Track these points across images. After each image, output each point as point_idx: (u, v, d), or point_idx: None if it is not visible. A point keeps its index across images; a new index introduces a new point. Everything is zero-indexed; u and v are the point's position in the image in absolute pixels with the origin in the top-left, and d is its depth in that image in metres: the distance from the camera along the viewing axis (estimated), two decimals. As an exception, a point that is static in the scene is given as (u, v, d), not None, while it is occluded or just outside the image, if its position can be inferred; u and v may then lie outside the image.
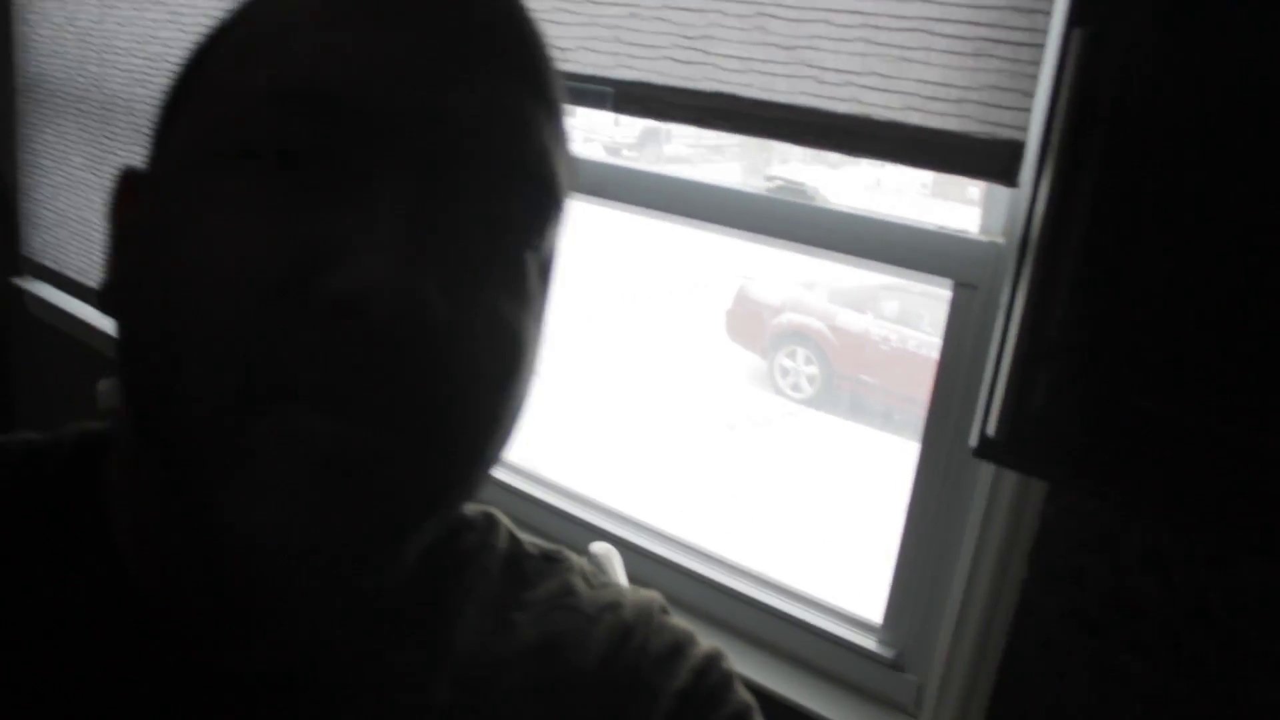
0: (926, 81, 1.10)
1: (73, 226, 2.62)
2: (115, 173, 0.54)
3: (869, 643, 1.37)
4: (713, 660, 0.61)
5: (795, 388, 5.94)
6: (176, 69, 0.51)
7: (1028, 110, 1.03)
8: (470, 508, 0.63)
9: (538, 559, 0.64)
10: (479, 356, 0.43)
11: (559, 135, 0.49)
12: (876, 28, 1.13)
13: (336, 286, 0.39)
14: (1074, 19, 0.67)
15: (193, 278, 0.41)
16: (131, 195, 0.52)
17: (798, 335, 6.00)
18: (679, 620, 0.64)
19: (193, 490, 0.42)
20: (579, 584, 0.63)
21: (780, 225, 1.34)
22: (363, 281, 0.39)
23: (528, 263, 0.47)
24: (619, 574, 1.20)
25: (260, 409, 0.40)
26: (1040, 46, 1.01)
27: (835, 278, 5.95)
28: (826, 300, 5.98)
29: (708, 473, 4.81)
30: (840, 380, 5.81)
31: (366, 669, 0.53)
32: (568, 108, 0.51)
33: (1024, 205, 0.75)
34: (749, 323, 6.25)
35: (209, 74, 0.48)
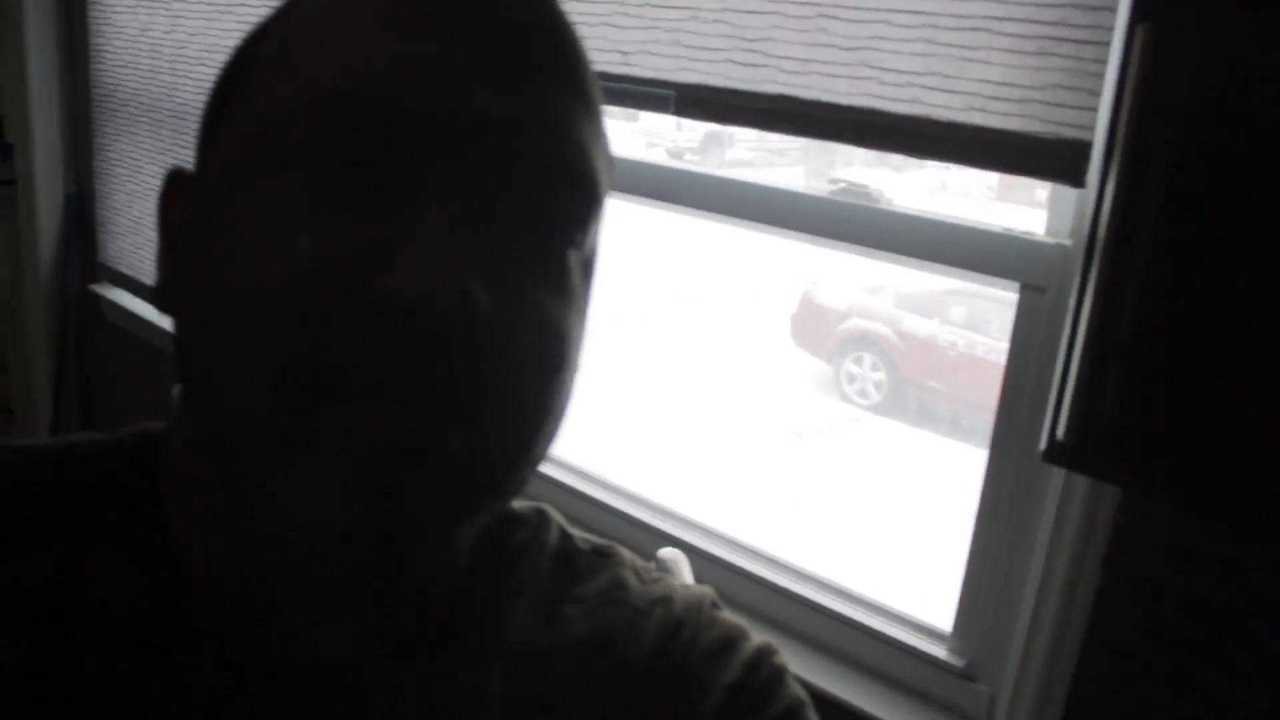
0: (989, 81, 1.08)
1: (146, 234, 2.68)
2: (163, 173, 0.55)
3: (939, 651, 1.35)
4: (764, 654, 0.61)
5: (862, 394, 5.90)
6: (220, 70, 0.53)
7: (1093, 109, 1.01)
8: (522, 504, 0.64)
9: (589, 554, 0.64)
10: (525, 352, 0.44)
11: (598, 135, 0.50)
12: (937, 28, 1.11)
13: (388, 287, 0.40)
14: (1137, 14, 0.66)
15: (247, 279, 0.42)
16: (178, 195, 0.54)
17: (864, 341, 5.96)
18: (731, 615, 0.64)
19: (250, 484, 0.44)
20: (630, 578, 0.63)
21: (844, 228, 1.33)
22: (413, 282, 0.40)
23: (570, 261, 0.48)
24: (686, 578, 1.20)
25: (315, 405, 0.41)
26: (1105, 44, 0.99)
27: (901, 283, 5.91)
28: (893, 305, 5.93)
29: (774, 480, 4.78)
30: (907, 386, 5.75)
31: (419, 660, 0.54)
32: (605, 107, 0.52)
33: (1090, 206, 0.73)
34: (814, 328, 6.21)
35: (253, 77, 0.49)
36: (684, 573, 1.22)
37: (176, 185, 0.54)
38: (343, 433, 0.41)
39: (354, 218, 0.42)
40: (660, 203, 1.51)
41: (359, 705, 0.52)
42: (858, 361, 5.95)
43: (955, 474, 4.48)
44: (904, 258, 1.28)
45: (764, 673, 0.60)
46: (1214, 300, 0.68)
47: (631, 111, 1.45)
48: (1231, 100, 0.65)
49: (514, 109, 0.44)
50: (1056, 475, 1.15)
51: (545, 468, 1.65)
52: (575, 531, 0.66)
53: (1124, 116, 0.67)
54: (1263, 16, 0.64)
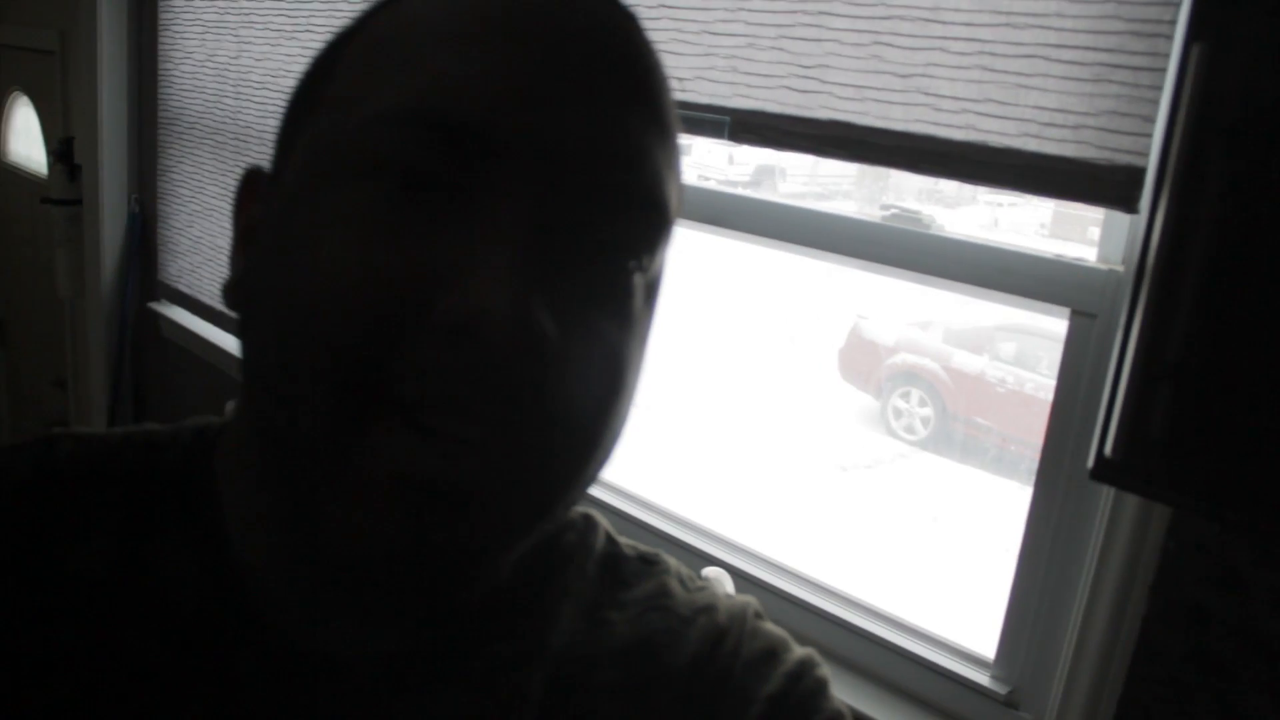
0: (1044, 108, 1.09)
1: (206, 253, 2.73)
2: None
3: (982, 678, 1.34)
4: (806, 666, 0.61)
5: (909, 429, 5.85)
6: (303, 72, 0.54)
7: (1148, 136, 1.01)
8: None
9: (635, 560, 0.65)
10: (584, 379, 0.45)
11: (673, 163, 0.50)
12: (993, 55, 1.12)
13: (454, 309, 0.41)
14: (1193, 34, 0.67)
15: (318, 286, 0.43)
16: (255, 193, 0.55)
17: (912, 376, 5.91)
18: (774, 625, 0.64)
19: (301, 487, 0.45)
20: (675, 586, 0.64)
21: (895, 253, 1.34)
22: (479, 305, 0.41)
23: (635, 285, 0.48)
24: (728, 599, 1.21)
25: (371, 421, 0.42)
26: (1161, 71, 1.00)
27: (950, 318, 5.87)
28: (941, 341, 5.89)
29: (820, 512, 4.76)
30: (955, 423, 5.70)
31: (463, 660, 0.55)
32: (682, 134, 0.52)
33: (1142, 228, 0.74)
34: (862, 362, 6.18)
35: (334, 85, 0.49)
36: (727, 591, 1.22)
37: (253, 184, 0.56)
38: (392, 455, 0.42)
39: (427, 236, 0.43)
40: (713, 228, 1.53)
41: (402, 703, 0.53)
42: (905, 397, 5.90)
43: (1002, 510, 4.43)
44: (955, 284, 1.29)
45: (806, 684, 0.60)
46: (1266, 319, 0.69)
47: (683, 145, 1.47)
48: (1286, 122, 0.66)
49: (588, 132, 0.45)
50: (1104, 500, 1.15)
51: (602, 493, 1.66)
52: (622, 538, 0.66)
53: (1178, 136, 0.68)
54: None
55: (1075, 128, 1.07)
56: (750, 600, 0.65)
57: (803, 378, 6.31)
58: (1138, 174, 1.02)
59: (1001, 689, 1.32)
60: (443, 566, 0.43)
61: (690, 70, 1.43)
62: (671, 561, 0.66)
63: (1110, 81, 1.04)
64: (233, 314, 0.52)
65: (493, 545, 0.45)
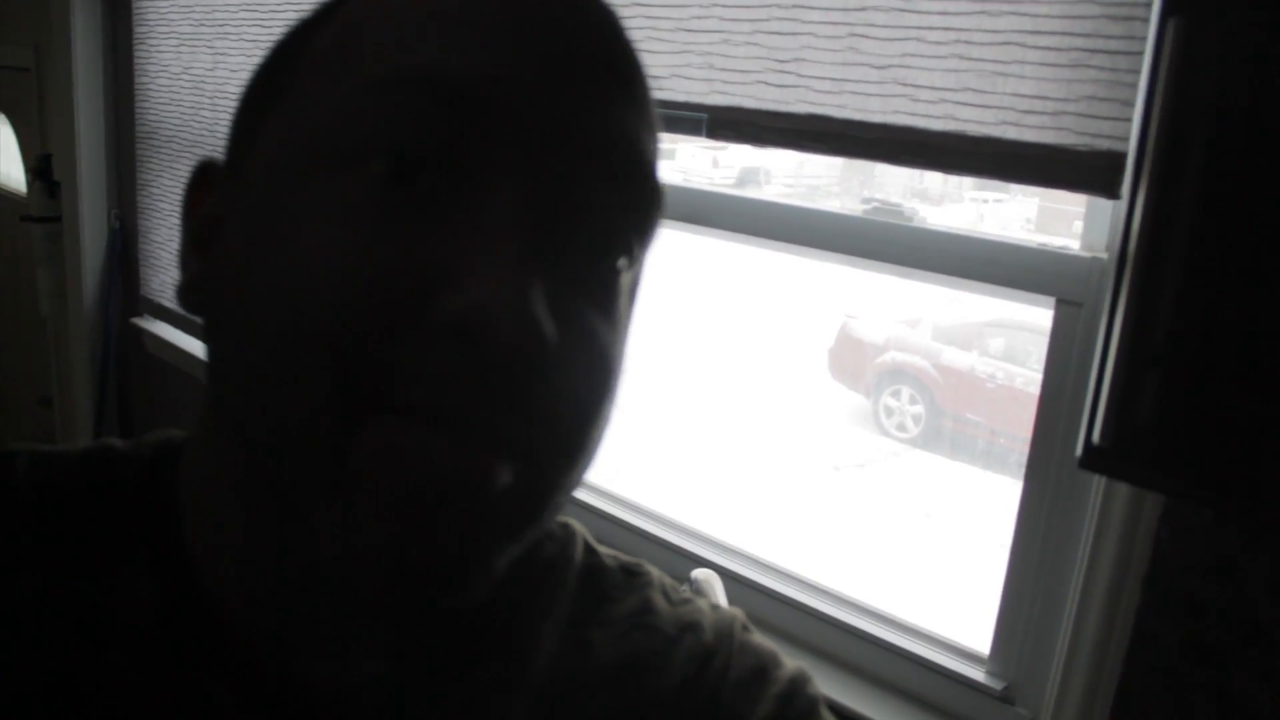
0: (1022, 95, 1.08)
1: (187, 269, 2.71)
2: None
3: (977, 674, 1.33)
4: (797, 684, 0.59)
5: (900, 427, 5.85)
6: (262, 62, 0.52)
7: (1127, 120, 1.00)
8: None
9: (616, 572, 0.63)
10: (578, 381, 0.44)
11: (658, 151, 0.50)
12: (969, 43, 1.11)
13: (455, 306, 0.39)
14: (1169, 8, 0.65)
15: (300, 287, 0.41)
16: (208, 188, 0.53)
17: (902, 374, 5.92)
18: (761, 639, 0.62)
19: (290, 499, 0.42)
20: (659, 600, 0.62)
21: (879, 247, 1.33)
22: (481, 302, 0.39)
23: (623, 284, 0.47)
24: (719, 599, 1.19)
25: (365, 421, 0.40)
26: (1138, 54, 0.99)
27: (939, 316, 5.87)
28: (930, 338, 5.90)
29: (812, 512, 4.75)
30: (946, 419, 5.71)
31: (440, 686, 0.53)
32: (661, 134, 0.52)
33: (1123, 213, 0.73)
34: (852, 361, 6.18)
35: (309, 66, 0.47)
36: (717, 594, 1.21)
37: (206, 178, 0.53)
38: (387, 459, 0.40)
39: (420, 227, 0.41)
40: (697, 227, 1.51)
41: None
42: (895, 395, 5.91)
43: (994, 506, 4.43)
44: (940, 276, 1.28)
45: (798, 705, 0.58)
46: (1250, 303, 0.67)
47: (666, 149, 1.46)
48: (1266, 99, 0.65)
49: (589, 116, 0.44)
50: (1095, 491, 1.14)
51: (582, 493, 1.65)
52: (602, 548, 0.64)
53: (1156, 116, 0.66)
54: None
55: (1054, 114, 1.06)
56: (737, 613, 0.64)
57: (793, 377, 6.32)
58: (1118, 159, 1.01)
59: (997, 684, 1.31)
60: (441, 569, 0.41)
61: (666, 68, 1.42)
62: (654, 572, 0.64)
63: (1088, 66, 1.03)
64: (193, 317, 0.49)
65: (491, 546, 0.43)
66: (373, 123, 0.42)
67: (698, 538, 1.67)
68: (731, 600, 1.49)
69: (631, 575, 0.63)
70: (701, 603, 0.63)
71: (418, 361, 0.39)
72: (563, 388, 0.43)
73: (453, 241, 0.41)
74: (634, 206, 0.46)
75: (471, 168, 0.42)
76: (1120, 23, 1.00)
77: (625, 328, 0.49)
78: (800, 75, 1.27)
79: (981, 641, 1.35)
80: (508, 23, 0.43)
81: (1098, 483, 1.14)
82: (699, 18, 1.37)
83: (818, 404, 6.10)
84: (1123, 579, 1.10)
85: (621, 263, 0.47)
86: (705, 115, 1.38)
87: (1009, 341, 5.55)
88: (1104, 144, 1.02)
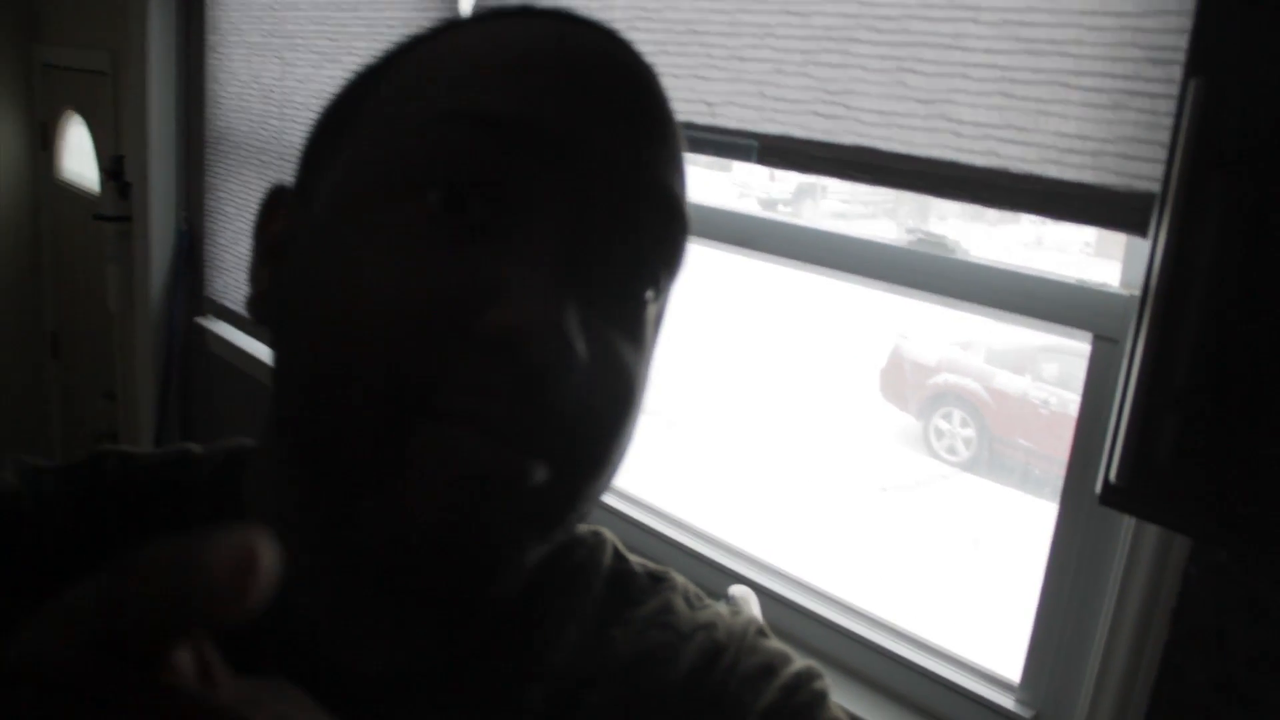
0: (1064, 134, 1.10)
1: (251, 271, 2.77)
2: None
3: (1007, 701, 1.34)
4: (804, 679, 0.61)
5: (950, 450, 5.82)
6: (333, 99, 0.57)
7: (1164, 162, 1.02)
8: (580, 526, 0.66)
9: (643, 577, 0.66)
10: (603, 396, 0.48)
11: (687, 193, 0.54)
12: (1013, 81, 1.14)
13: (496, 323, 0.44)
14: (1193, 67, 0.68)
15: (356, 301, 0.45)
16: (280, 211, 0.58)
17: (954, 396, 5.89)
18: (776, 642, 0.65)
19: (338, 497, 0.47)
20: (679, 603, 0.64)
21: (919, 277, 1.35)
22: (521, 320, 0.43)
23: (649, 314, 0.51)
24: (755, 616, 1.21)
25: (415, 425, 0.44)
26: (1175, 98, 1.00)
27: (992, 339, 5.84)
28: (984, 361, 5.86)
29: (859, 532, 4.74)
30: (997, 444, 5.67)
31: (468, 675, 0.56)
32: (690, 162, 0.56)
33: (1147, 254, 0.75)
34: (903, 382, 6.16)
35: (375, 104, 0.53)
36: (753, 610, 1.23)
37: (278, 201, 0.58)
38: (436, 454, 0.44)
39: (468, 254, 0.46)
40: (740, 249, 1.54)
41: (406, 713, 0.54)
42: (947, 417, 5.88)
43: (1043, 534, 4.39)
44: (977, 307, 1.29)
45: (802, 697, 0.60)
46: (1271, 347, 0.69)
47: (724, 162, 1.49)
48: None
49: (624, 155, 0.48)
50: (1126, 525, 1.15)
51: (627, 507, 1.67)
52: (631, 555, 0.68)
53: (1177, 165, 0.69)
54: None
55: (1094, 154, 1.08)
56: (753, 618, 0.66)
57: (844, 397, 6.30)
58: (1154, 200, 1.03)
59: (1026, 712, 1.32)
60: (479, 556, 0.46)
61: (720, 96, 1.45)
62: (679, 579, 0.67)
63: (1128, 108, 1.05)
64: (260, 326, 0.54)
65: (523, 539, 0.48)
66: (428, 156, 0.47)
67: (739, 555, 1.70)
68: (768, 617, 1.52)
69: (657, 581, 0.66)
70: (721, 607, 0.66)
71: (462, 372, 0.44)
72: (589, 403, 0.46)
73: (496, 265, 0.45)
74: (662, 240, 0.51)
75: (515, 199, 0.46)
76: (1161, 66, 1.02)
77: (650, 354, 0.53)
78: (849, 107, 1.30)
79: (1015, 669, 1.36)
80: (552, 71, 0.48)
81: (1129, 518, 1.15)
82: (753, 47, 1.41)
83: (867, 424, 6.07)
84: (1151, 613, 1.11)
85: (649, 294, 0.51)
86: (756, 143, 1.41)
87: (1063, 367, 5.51)
88: (1142, 185, 1.04)
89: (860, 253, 1.42)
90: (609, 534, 0.68)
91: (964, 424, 5.81)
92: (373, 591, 0.52)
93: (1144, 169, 1.04)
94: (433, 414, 0.44)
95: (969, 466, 5.72)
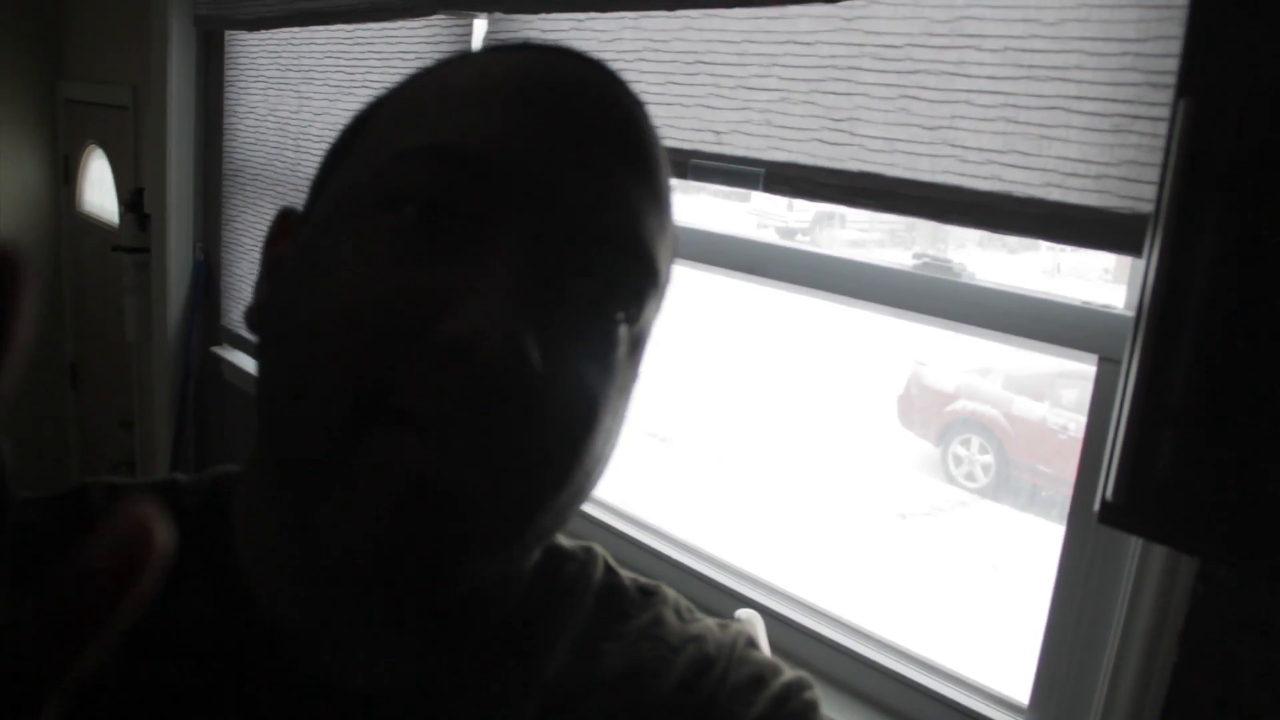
0: (1066, 158, 1.11)
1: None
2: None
3: (1014, 722, 1.34)
4: (794, 689, 0.62)
5: (969, 477, 5.80)
6: (341, 129, 0.60)
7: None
8: (571, 542, 0.67)
9: (633, 591, 0.66)
10: (558, 411, 0.48)
11: (664, 226, 0.54)
12: (1016, 106, 1.15)
13: (451, 330, 0.45)
14: (1182, 88, 0.69)
15: (328, 307, 0.48)
16: (285, 231, 0.60)
17: (972, 423, 5.87)
18: (766, 654, 0.65)
19: (299, 502, 0.48)
20: (670, 616, 0.65)
21: (926, 301, 1.36)
22: (472, 324, 0.45)
23: (620, 336, 0.52)
24: (761, 639, 1.22)
25: (368, 431, 0.46)
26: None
27: (1011, 365, 5.82)
28: (1002, 387, 5.84)
29: (877, 559, 4.72)
30: (1017, 470, 5.64)
31: (462, 690, 0.57)
32: (674, 201, 0.57)
33: (1141, 274, 0.76)
34: (921, 409, 6.14)
35: (369, 133, 0.55)
36: (759, 633, 1.24)
37: (285, 222, 0.60)
38: (384, 461, 0.45)
39: (432, 263, 0.47)
40: (749, 276, 1.55)
41: None
42: (965, 444, 5.85)
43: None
44: (985, 331, 1.30)
45: (792, 706, 0.61)
46: (1265, 364, 0.70)
47: (742, 191, 1.51)
48: (1275, 172, 0.68)
49: (590, 187, 0.49)
50: (1134, 548, 1.15)
51: (649, 539, 1.67)
52: (623, 570, 0.68)
53: (1167, 186, 0.70)
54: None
55: (1097, 177, 1.09)
56: (742, 630, 0.67)
57: (862, 423, 6.29)
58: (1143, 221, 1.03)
59: (1035, 735, 1.32)
60: (428, 561, 0.46)
61: (727, 124, 1.47)
62: (670, 593, 0.68)
63: (1130, 132, 1.06)
64: (252, 337, 0.56)
65: (474, 546, 0.48)
66: (408, 179, 0.49)
67: (749, 580, 1.70)
68: (778, 641, 1.52)
69: (647, 595, 0.67)
70: (710, 621, 0.67)
71: (417, 375, 0.45)
72: (548, 417, 0.47)
73: (456, 275, 0.47)
74: (630, 262, 0.51)
75: (481, 220, 0.48)
76: (1161, 90, 1.03)
77: (624, 380, 0.53)
78: (854, 134, 1.31)
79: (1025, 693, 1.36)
80: (526, 106, 0.50)
81: (1136, 539, 1.15)
82: (759, 76, 1.42)
83: (886, 450, 6.06)
84: (1159, 634, 1.11)
85: (619, 316, 0.51)
86: (763, 170, 1.43)
87: (1081, 393, 5.47)
88: (1144, 208, 1.05)
89: (866, 278, 1.43)
90: (600, 549, 0.69)
91: (982, 450, 5.79)
92: (348, 605, 0.53)
93: (1146, 191, 1.05)
94: (386, 418, 0.45)
95: (987, 493, 5.69)
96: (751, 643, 0.66)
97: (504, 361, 0.44)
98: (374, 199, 0.50)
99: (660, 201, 0.54)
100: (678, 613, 0.66)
